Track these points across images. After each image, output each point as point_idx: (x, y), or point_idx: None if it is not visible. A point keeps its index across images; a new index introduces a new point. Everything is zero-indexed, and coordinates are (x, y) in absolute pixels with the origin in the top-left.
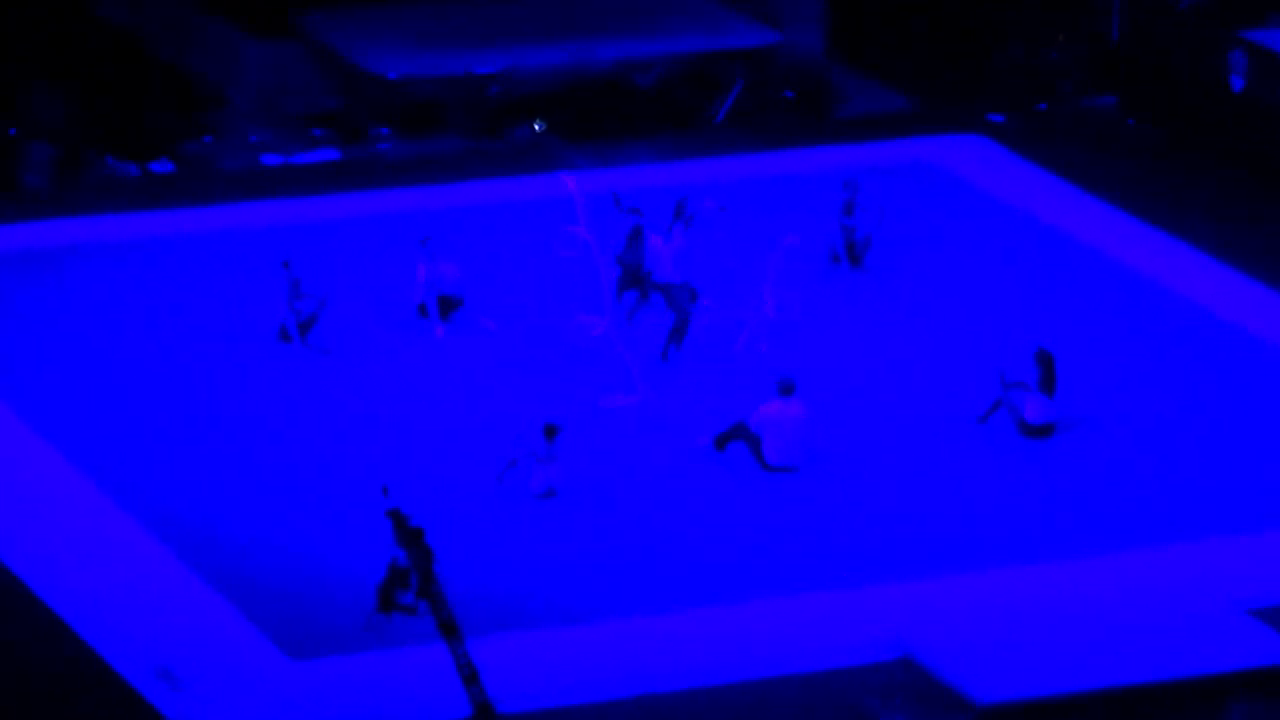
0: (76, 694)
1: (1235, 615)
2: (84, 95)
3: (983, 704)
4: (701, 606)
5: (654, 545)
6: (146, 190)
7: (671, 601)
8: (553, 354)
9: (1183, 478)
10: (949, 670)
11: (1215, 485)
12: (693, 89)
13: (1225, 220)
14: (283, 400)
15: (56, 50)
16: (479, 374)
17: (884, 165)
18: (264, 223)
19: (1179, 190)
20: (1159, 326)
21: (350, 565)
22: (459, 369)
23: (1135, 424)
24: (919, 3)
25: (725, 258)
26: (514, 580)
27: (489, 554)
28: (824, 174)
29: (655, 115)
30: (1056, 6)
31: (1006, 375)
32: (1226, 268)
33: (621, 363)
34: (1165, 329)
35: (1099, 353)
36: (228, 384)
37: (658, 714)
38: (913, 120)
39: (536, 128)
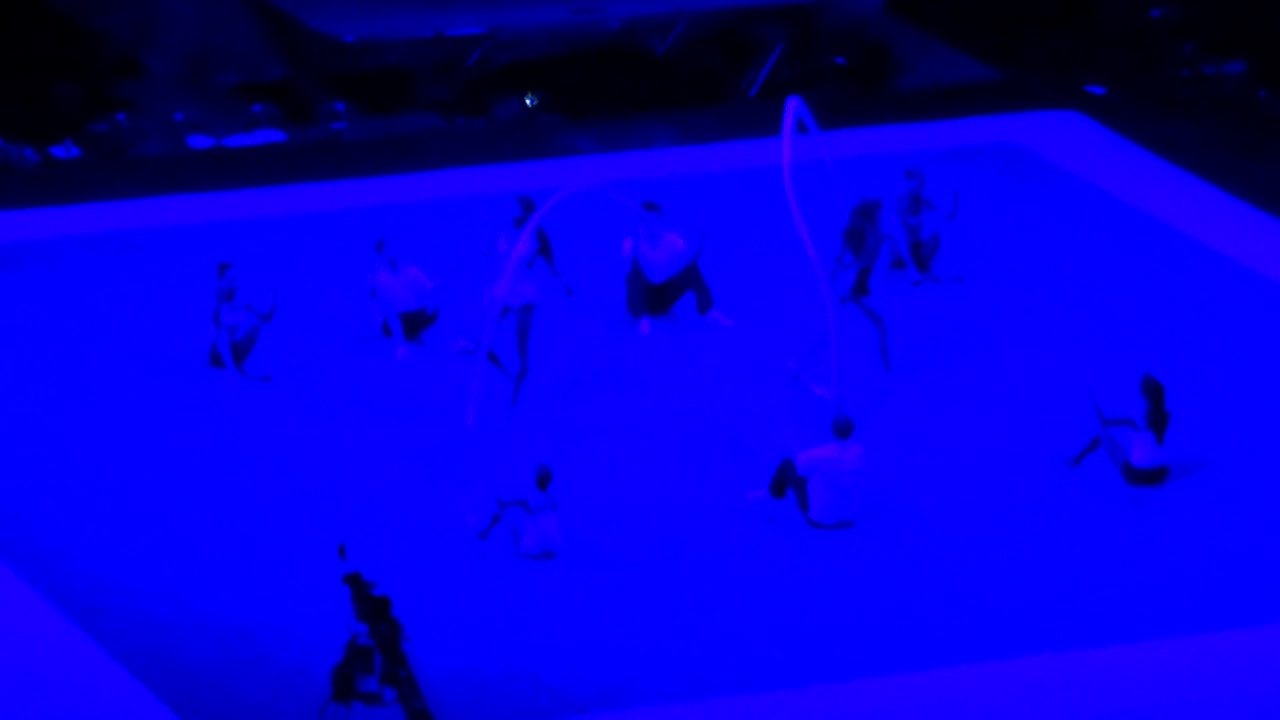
0: None
1: None
2: None
3: None
4: (733, 693)
5: (673, 617)
6: (46, 180)
7: (696, 686)
8: (545, 378)
9: None
10: None
11: None
12: (721, 55)
13: None
14: (213, 439)
15: None
16: (454, 406)
17: (957, 148)
18: (191, 220)
19: None
20: None
21: (300, 643)
22: (430, 399)
23: (1269, 467)
24: None
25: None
26: (501, 661)
27: (470, 629)
28: (883, 158)
29: (674, 87)
30: None
31: (1105, 408)
32: None
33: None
34: None
35: (1222, 378)
36: (145, 419)
37: None
38: (993, 93)
39: (528, 103)
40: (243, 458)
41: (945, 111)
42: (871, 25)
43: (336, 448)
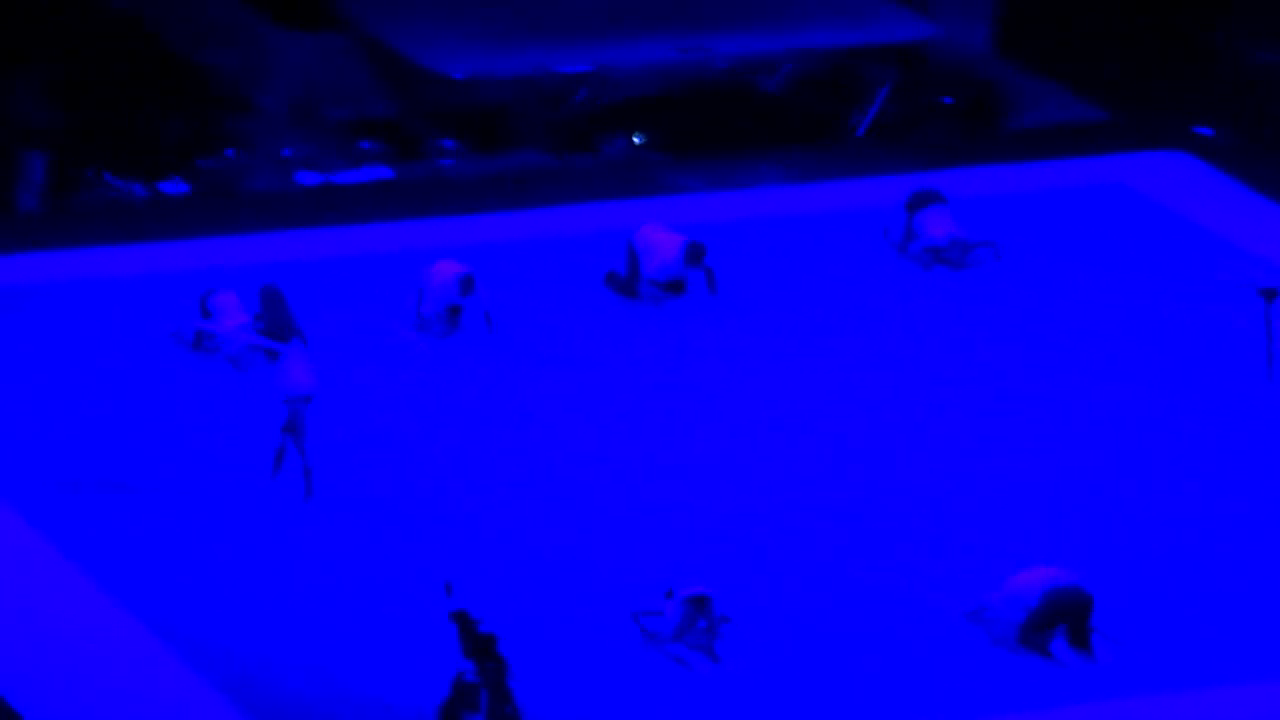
0: None
1: None
2: (80, 97)
3: None
4: None
5: (781, 664)
6: (155, 214)
7: None
8: (651, 426)
9: None
10: None
11: None
12: (829, 94)
13: None
14: (321, 472)
15: (48, 41)
16: (562, 438)
17: (1066, 187)
18: (299, 256)
19: None
20: None
21: (405, 681)
22: (538, 435)
23: None
24: None
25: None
26: (610, 702)
27: (577, 668)
28: (992, 198)
29: (782, 126)
30: None
31: None
32: None
33: None
34: None
35: None
36: (247, 450)
37: None
38: (1100, 133)
39: (634, 141)
40: (343, 491)
41: (1053, 151)
42: (980, 65)
43: (445, 480)
